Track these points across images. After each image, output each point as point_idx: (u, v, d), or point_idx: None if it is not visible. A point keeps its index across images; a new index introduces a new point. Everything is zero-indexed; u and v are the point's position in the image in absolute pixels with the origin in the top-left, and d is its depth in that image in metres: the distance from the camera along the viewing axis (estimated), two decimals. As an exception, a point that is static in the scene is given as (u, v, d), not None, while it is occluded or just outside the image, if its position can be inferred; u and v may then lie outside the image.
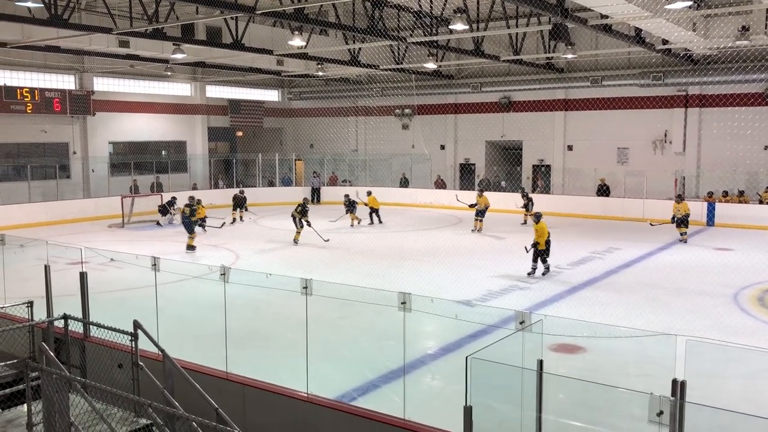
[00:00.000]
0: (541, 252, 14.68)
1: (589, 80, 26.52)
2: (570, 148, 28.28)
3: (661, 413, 4.19)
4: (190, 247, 17.92)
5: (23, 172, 25.00)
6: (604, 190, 25.73)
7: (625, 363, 9.29)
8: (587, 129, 27.52)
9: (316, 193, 30.61)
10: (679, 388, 4.23)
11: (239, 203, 24.25)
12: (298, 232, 19.24)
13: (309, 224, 19.21)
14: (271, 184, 31.77)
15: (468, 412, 4.65)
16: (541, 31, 22.50)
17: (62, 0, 16.45)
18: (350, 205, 23.29)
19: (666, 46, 20.59)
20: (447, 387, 8.72)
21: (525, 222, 23.08)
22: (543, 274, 14.60)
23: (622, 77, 25.85)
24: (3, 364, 7.56)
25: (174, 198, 23.77)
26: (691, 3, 14.27)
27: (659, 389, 4.39)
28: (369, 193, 23.78)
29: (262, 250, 18.22)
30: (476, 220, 21.63)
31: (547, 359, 5.36)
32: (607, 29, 17.70)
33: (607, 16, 16.56)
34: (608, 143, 27.01)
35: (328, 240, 19.14)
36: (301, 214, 19.25)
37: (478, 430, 4.75)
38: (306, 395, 6.71)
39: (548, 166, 28.72)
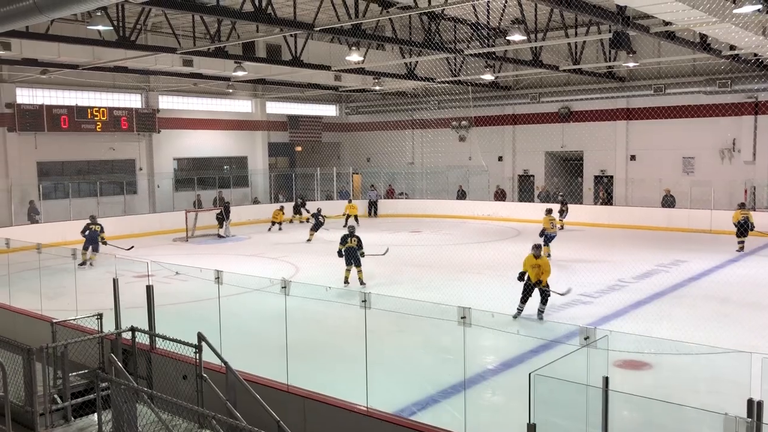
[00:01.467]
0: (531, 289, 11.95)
1: (651, 88, 25.85)
2: (633, 158, 27.59)
3: (736, 435, 4.00)
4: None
5: (93, 189, 25.99)
6: (669, 201, 24.99)
7: (694, 381, 8.96)
8: (650, 138, 26.80)
9: (373, 206, 30.75)
10: (755, 408, 4.04)
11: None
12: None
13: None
14: (329, 197, 32.09)
15: (532, 429, 4.55)
16: (601, 39, 22.09)
17: (130, 22, 17.10)
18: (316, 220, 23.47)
19: (733, 52, 19.88)
20: (508, 403, 8.57)
21: (562, 227, 22.95)
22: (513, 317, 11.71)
23: (686, 85, 25.11)
24: (75, 374, 7.82)
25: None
26: (761, 6, 13.75)
27: (732, 409, 4.20)
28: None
29: (322, 263, 18.38)
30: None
31: (612, 376, 5.20)
32: (671, 36, 17.23)
33: (670, 23, 16.12)
34: (673, 152, 26.23)
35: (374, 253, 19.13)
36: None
37: (542, 448, 4.65)
38: (365, 409, 6.70)
39: (610, 177, 28.08)
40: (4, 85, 24.28)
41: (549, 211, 19.09)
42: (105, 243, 18.30)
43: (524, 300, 11.79)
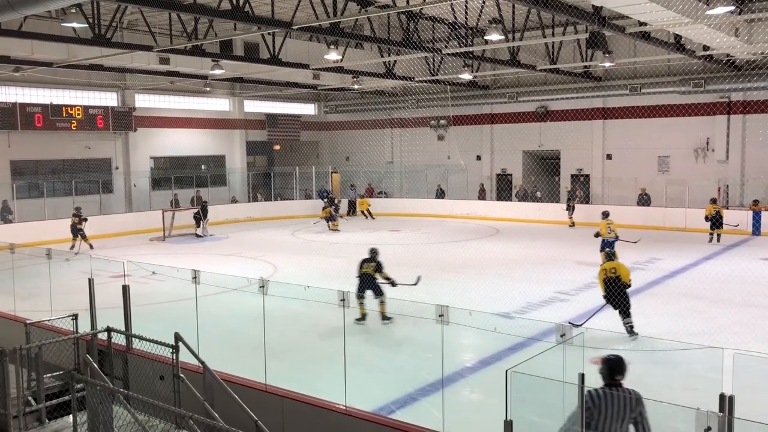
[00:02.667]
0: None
1: (627, 88, 26.15)
2: (609, 157, 27.88)
3: (708, 429, 4.07)
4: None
5: (68, 188, 25.67)
6: (644, 200, 25.29)
7: (669, 377, 9.08)
8: (626, 138, 27.11)
9: (352, 206, 30.74)
10: (727, 403, 4.11)
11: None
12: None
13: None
14: (308, 196, 32.02)
15: (509, 426, 4.59)
16: (578, 39, 22.30)
17: (105, 20, 16.90)
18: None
19: (707, 53, 20.20)
20: (486, 400, 8.63)
21: (572, 225, 23.23)
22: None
23: (661, 84, 25.43)
24: (49, 375, 7.73)
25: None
26: (733, 8, 13.98)
27: (706, 404, 4.28)
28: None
29: (300, 262, 18.34)
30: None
31: (588, 372, 5.26)
32: (646, 36, 17.45)
33: (645, 24, 16.33)
34: (648, 152, 26.56)
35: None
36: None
37: (518, 444, 4.68)
38: (344, 408, 6.70)
39: (587, 176, 28.35)
40: (-24, 83, 23.89)
41: (605, 215, 17.32)
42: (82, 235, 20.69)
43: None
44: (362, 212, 29.36)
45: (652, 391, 8.01)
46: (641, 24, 16.58)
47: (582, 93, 27.47)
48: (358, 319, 11.24)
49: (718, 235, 20.34)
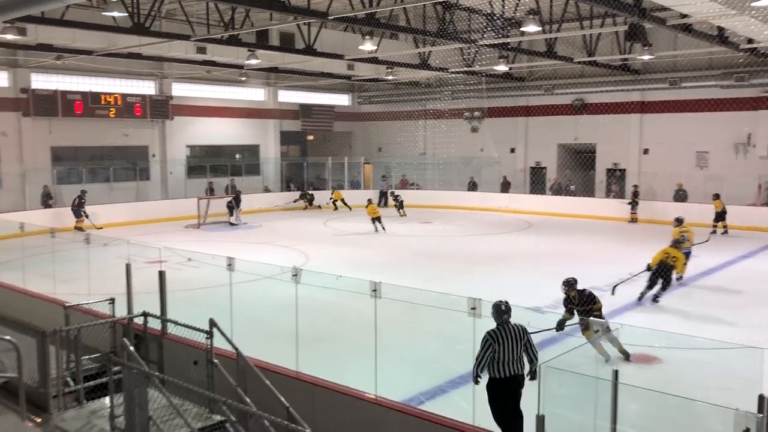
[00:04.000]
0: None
1: (667, 82, 25.63)
2: (646, 151, 27.42)
3: (747, 430, 3.99)
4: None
5: (106, 174, 26.15)
6: (681, 196, 24.83)
7: (705, 376, 8.93)
8: (664, 132, 26.59)
9: (384, 197, 30.75)
10: (766, 404, 4.03)
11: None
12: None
13: None
14: (340, 187, 32.12)
15: (540, 421, 4.57)
16: (617, 31, 21.92)
17: (144, 9, 17.13)
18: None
19: (751, 45, 19.67)
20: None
21: (635, 220, 22.94)
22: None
23: (702, 78, 24.87)
24: (87, 357, 7.91)
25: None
26: (779, 0, 13.58)
27: (743, 405, 4.20)
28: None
29: (331, 252, 18.43)
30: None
31: (621, 369, 5.21)
32: (687, 29, 17.07)
33: (687, 15, 15.97)
34: (686, 147, 26.01)
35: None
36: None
37: (550, 439, 4.66)
38: (374, 397, 6.74)
39: (623, 171, 27.93)
40: (19, 71, 24.41)
41: (679, 222, 15.39)
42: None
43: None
44: (333, 202, 29.36)
45: (687, 390, 7.90)
46: (683, 16, 16.22)
47: (620, 86, 27.02)
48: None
49: (725, 227, 20.97)
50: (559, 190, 28.56)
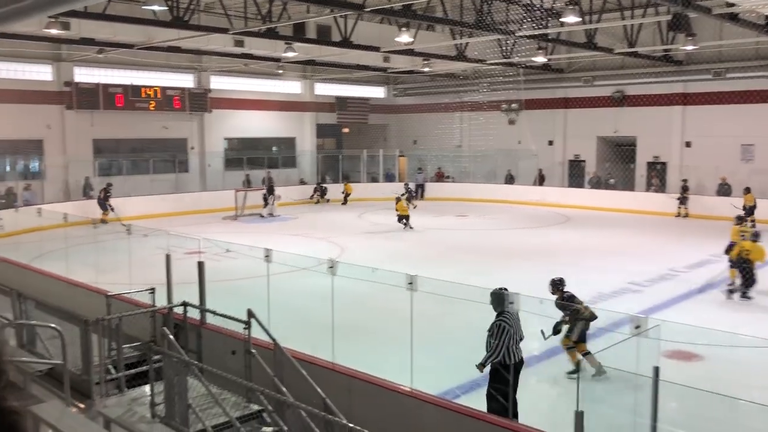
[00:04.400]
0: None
1: (710, 73, 25.01)
2: (688, 144, 26.81)
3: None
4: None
5: (146, 166, 26.61)
6: (724, 190, 24.24)
7: (747, 375, 8.73)
8: (708, 124, 25.96)
9: (420, 189, 30.70)
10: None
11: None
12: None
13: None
14: (375, 179, 32.14)
15: (579, 417, 4.51)
16: (659, 21, 21.44)
17: (183, 2, 17.33)
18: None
19: (800, 35, 19.08)
20: (553, 389, 8.50)
21: (678, 215, 22.43)
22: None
23: (748, 69, 24.19)
24: (128, 346, 8.06)
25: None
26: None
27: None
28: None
29: (366, 245, 18.47)
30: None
31: (661, 366, 5.11)
32: (734, 18, 16.60)
33: (733, 4, 15.53)
34: (731, 140, 25.35)
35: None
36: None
37: (589, 435, 4.60)
38: (409, 390, 6.73)
39: (664, 164, 27.37)
40: (63, 65, 24.95)
41: (740, 220, 14.64)
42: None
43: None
44: (345, 196, 28.91)
45: (729, 388, 7.73)
46: (729, 5, 15.78)
47: (661, 77, 26.45)
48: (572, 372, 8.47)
49: (753, 222, 20.22)
50: (598, 184, 28.13)
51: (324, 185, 30.26)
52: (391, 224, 22.23)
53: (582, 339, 8.32)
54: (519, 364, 6.92)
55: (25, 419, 0.74)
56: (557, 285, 8.94)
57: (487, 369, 7.03)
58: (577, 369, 8.14)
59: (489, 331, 7.02)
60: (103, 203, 22.41)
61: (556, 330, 8.35)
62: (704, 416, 7.25)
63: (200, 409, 6.55)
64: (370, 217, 24.58)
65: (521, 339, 7.14)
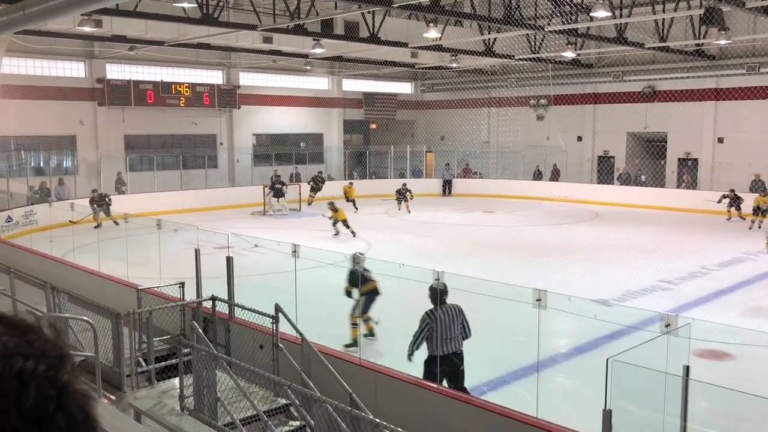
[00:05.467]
0: None
1: (744, 67, 24.52)
2: (720, 140, 26.34)
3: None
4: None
5: (176, 162, 26.94)
6: (758, 186, 23.76)
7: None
8: (741, 120, 25.46)
9: (447, 185, 30.61)
10: None
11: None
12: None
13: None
14: (402, 175, 32.13)
15: (607, 415, 4.48)
16: (691, 15, 21.07)
17: (213, 0, 17.49)
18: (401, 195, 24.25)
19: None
20: (581, 388, 8.45)
21: (729, 218, 21.85)
22: None
23: (783, 63, 23.67)
24: (158, 339, 8.19)
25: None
26: None
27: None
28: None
29: (393, 240, 18.48)
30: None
31: (692, 365, 5.04)
32: (768, 11, 16.28)
33: (768, -3, 15.22)
34: (765, 135, 24.84)
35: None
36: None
37: (617, 434, 4.56)
38: (436, 386, 6.74)
39: (695, 160, 26.92)
40: (95, 61, 25.36)
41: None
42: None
43: None
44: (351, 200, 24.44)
45: (760, 388, 7.60)
46: (764, -2, 15.47)
47: (693, 72, 26.01)
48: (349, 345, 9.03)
49: (761, 222, 20.47)
50: (628, 180, 27.78)
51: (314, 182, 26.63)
52: (418, 220, 22.23)
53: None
54: (448, 357, 7.03)
55: (94, 402, 0.78)
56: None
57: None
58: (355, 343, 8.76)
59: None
60: (94, 206, 20.41)
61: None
62: (735, 416, 7.14)
63: (228, 402, 6.63)
64: (397, 213, 24.58)
65: (464, 337, 7.22)
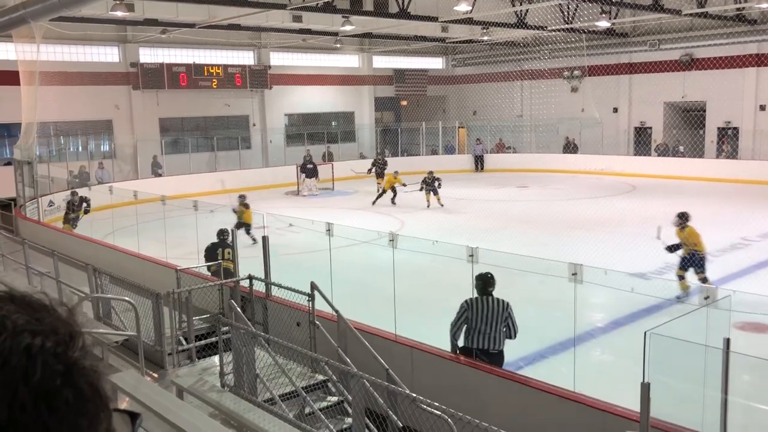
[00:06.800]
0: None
1: (788, 31, 23.71)
2: (762, 108, 25.58)
3: None
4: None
5: (210, 144, 27.22)
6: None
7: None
8: (784, 86, 24.69)
9: (479, 161, 30.38)
10: None
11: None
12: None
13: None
14: (434, 152, 31.98)
15: (646, 389, 4.44)
16: (731, -21, 20.43)
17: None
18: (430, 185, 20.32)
19: None
20: (618, 362, 8.39)
21: None
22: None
23: (829, 26, 22.81)
24: (198, 318, 8.36)
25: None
26: None
27: None
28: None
29: (426, 218, 18.47)
30: None
31: (732, 337, 4.97)
32: (813, -28, 15.66)
33: (812, -43, 14.63)
34: (810, 101, 24.08)
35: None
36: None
37: (656, 408, 4.53)
38: (472, 361, 6.76)
39: (736, 129, 26.21)
40: (128, 46, 25.65)
41: None
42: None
43: None
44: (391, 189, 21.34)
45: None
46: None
47: (733, 38, 25.21)
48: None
49: None
50: (665, 152, 27.22)
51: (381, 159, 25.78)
52: (451, 196, 22.13)
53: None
54: (482, 353, 6.64)
55: (103, 379, 0.80)
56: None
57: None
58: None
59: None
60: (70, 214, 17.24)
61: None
62: (778, 389, 7.03)
63: (267, 378, 6.76)
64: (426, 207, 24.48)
65: (507, 336, 6.81)
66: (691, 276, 9.66)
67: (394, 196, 20.96)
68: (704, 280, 9.41)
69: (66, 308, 0.83)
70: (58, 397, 0.74)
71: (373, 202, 20.99)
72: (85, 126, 24.75)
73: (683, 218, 9.79)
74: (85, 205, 17.13)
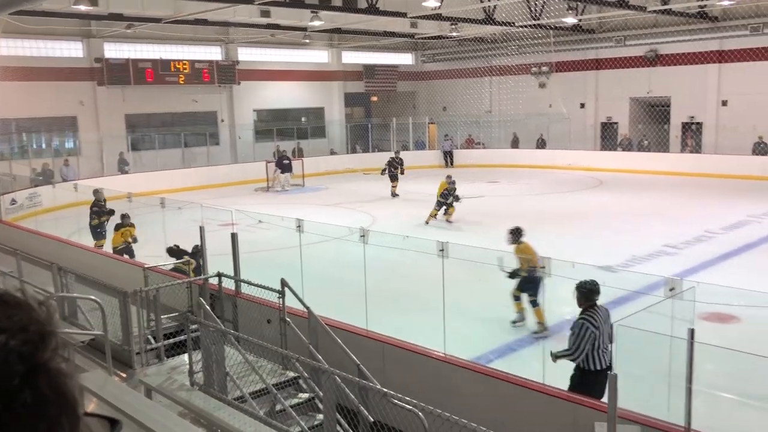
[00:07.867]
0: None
1: (748, 29, 24.20)
2: (724, 103, 26.11)
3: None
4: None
5: (178, 140, 26.87)
6: (761, 149, 23.65)
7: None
8: (745, 82, 25.20)
9: (448, 156, 30.50)
10: None
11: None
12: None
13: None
14: (405, 148, 32.00)
15: (613, 380, 4.51)
16: (694, -24, 20.80)
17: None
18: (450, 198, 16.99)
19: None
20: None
21: None
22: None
23: (788, 23, 23.35)
24: (166, 316, 8.25)
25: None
26: None
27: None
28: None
29: (397, 213, 18.49)
30: None
31: (697, 328, 5.07)
32: (772, -30, 16.01)
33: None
34: (770, 97, 24.62)
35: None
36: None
37: (623, 398, 4.60)
38: (443, 355, 6.79)
39: (699, 124, 26.73)
40: (92, 41, 25.17)
41: None
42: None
43: None
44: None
45: (766, 349, 7.64)
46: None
47: (696, 35, 25.69)
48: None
49: None
50: (629, 146, 27.64)
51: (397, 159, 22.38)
52: (421, 192, 22.18)
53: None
54: (606, 371, 5.71)
55: (72, 381, 0.78)
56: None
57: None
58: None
59: (571, 329, 6.18)
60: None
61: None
62: (741, 377, 7.19)
63: (238, 376, 6.70)
64: (401, 186, 24.53)
65: (612, 341, 6.03)
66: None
67: (448, 208, 16.76)
68: (534, 303, 9.07)
69: (45, 308, 0.80)
70: (15, 398, 0.72)
71: (427, 222, 16.74)
72: (49, 122, 24.26)
73: (517, 233, 9.75)
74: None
